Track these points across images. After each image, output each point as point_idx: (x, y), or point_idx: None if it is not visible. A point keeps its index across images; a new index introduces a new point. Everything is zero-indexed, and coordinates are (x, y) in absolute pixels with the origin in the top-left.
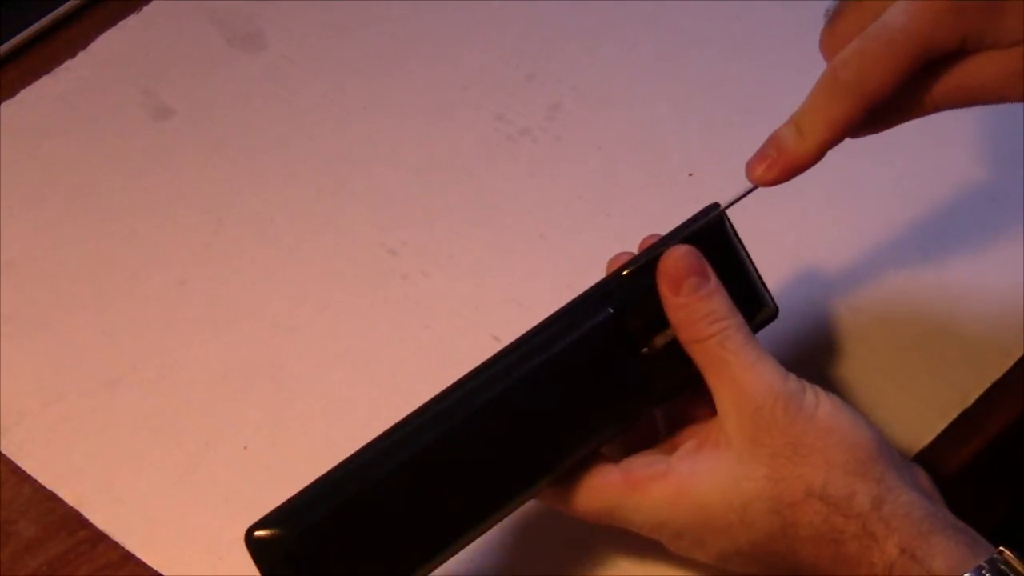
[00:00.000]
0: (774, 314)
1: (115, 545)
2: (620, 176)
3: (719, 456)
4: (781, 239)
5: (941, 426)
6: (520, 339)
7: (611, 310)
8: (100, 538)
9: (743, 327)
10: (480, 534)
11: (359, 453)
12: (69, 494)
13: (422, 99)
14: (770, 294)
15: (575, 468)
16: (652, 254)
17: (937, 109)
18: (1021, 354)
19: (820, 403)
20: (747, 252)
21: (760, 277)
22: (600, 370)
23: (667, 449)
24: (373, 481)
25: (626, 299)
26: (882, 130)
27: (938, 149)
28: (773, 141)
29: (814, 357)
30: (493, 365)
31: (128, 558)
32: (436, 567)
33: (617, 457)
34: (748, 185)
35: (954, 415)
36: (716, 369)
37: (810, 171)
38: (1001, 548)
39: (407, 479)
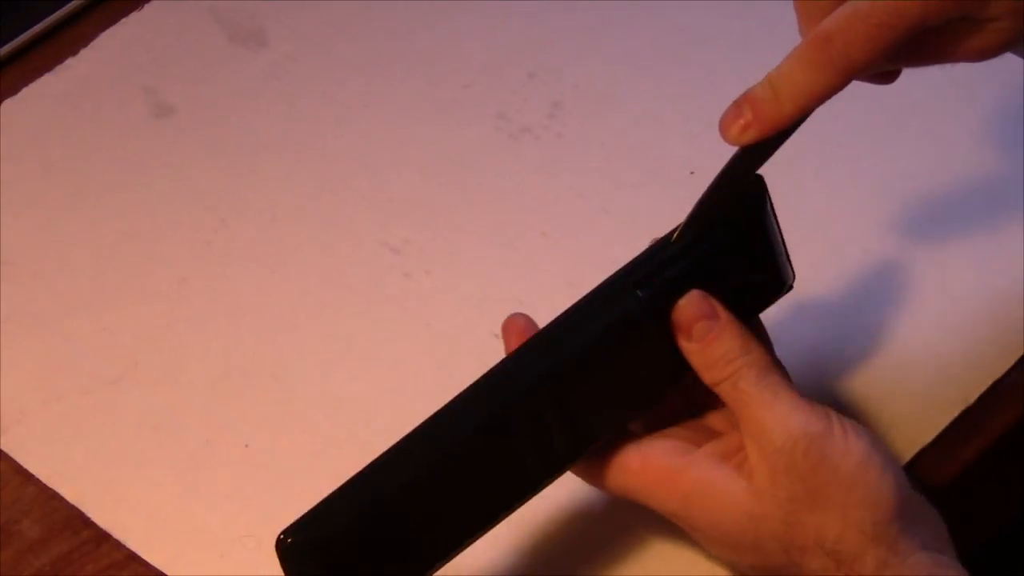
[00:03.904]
0: (791, 285)
1: (118, 545)
2: (621, 174)
3: (738, 485)
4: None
5: (943, 424)
6: (554, 323)
7: (639, 294)
8: (104, 538)
9: (758, 361)
10: (504, 518)
11: (392, 449)
12: (70, 492)
13: (424, 97)
14: (791, 265)
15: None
16: (685, 232)
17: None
18: (1022, 353)
19: (848, 451)
20: (779, 226)
21: (786, 249)
22: (633, 353)
23: (691, 430)
24: (413, 474)
25: (655, 284)
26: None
27: (939, 148)
28: (748, 102)
29: (815, 357)
30: (527, 354)
31: (132, 558)
32: (477, 538)
33: (639, 429)
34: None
35: (956, 413)
36: (737, 407)
37: (811, 170)
38: None
39: (451, 464)
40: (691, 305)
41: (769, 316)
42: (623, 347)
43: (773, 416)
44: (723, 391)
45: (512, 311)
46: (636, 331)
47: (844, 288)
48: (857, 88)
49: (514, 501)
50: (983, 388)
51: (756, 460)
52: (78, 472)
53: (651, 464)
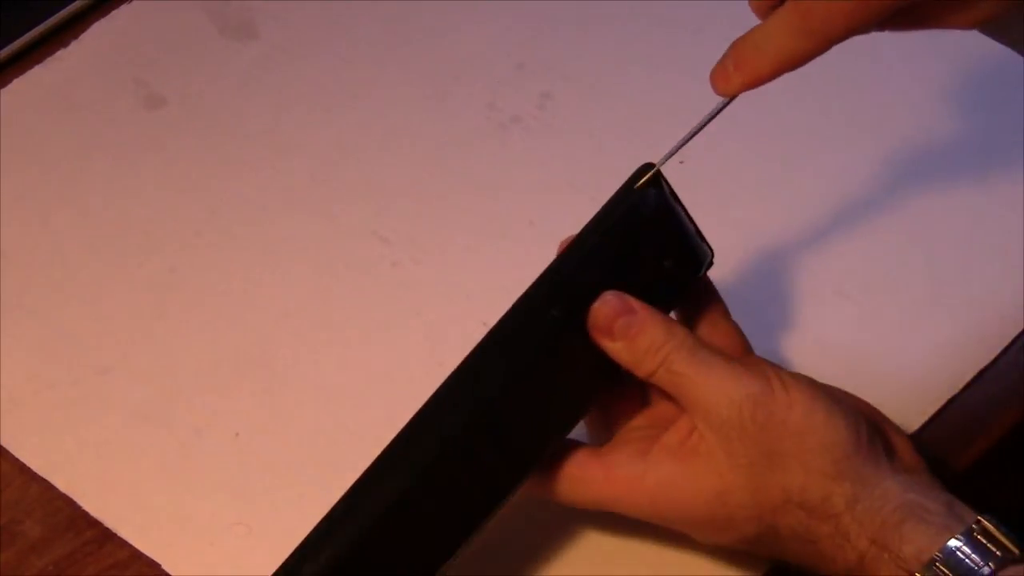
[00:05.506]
0: (711, 261)
1: (122, 545)
2: (610, 164)
3: (699, 467)
4: (773, 228)
5: (932, 411)
6: (479, 352)
7: (555, 313)
8: (106, 538)
9: (684, 342)
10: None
11: (350, 494)
12: (59, 481)
13: (413, 88)
14: (706, 241)
15: (555, 454)
16: (584, 240)
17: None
18: (1010, 341)
19: (792, 402)
20: (683, 207)
21: (696, 227)
22: (561, 369)
23: (646, 422)
24: (374, 513)
25: (569, 294)
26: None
27: (932, 132)
28: (732, 58)
29: (805, 344)
30: (457, 389)
31: (135, 558)
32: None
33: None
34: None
35: (944, 401)
36: (676, 391)
37: (805, 156)
38: (979, 518)
39: (406, 505)
40: (606, 305)
41: (753, 302)
42: (550, 367)
43: (711, 389)
44: (659, 380)
45: (500, 300)
46: (558, 350)
47: (831, 274)
48: (857, 67)
49: (480, 519)
50: (972, 374)
51: (709, 437)
52: (67, 461)
53: (614, 474)
